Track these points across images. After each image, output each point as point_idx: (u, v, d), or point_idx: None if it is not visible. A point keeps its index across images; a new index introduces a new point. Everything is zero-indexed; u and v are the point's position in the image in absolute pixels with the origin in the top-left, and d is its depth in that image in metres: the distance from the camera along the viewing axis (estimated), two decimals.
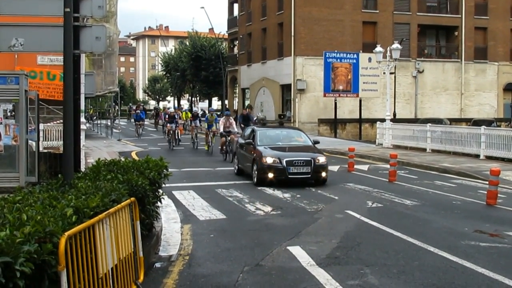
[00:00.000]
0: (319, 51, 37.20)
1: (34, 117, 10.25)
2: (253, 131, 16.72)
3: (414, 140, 25.75)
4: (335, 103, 35.67)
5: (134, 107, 54.21)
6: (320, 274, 6.71)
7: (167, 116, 29.99)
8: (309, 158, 14.51)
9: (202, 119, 30.18)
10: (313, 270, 6.89)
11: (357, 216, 10.46)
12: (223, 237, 8.91)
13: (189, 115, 34.64)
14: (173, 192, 13.18)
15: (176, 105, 66.97)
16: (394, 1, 42.26)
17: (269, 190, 13.78)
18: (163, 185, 8.46)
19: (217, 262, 7.38)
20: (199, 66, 60.02)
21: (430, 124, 26.08)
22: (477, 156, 21.42)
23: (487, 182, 12.88)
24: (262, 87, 45.35)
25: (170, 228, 9.51)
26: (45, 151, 14.31)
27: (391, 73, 29.91)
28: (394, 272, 6.83)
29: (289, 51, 40.16)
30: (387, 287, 6.29)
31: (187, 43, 66.94)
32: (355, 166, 18.50)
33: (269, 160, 14.47)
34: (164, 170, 8.31)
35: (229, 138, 21.42)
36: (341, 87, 35.30)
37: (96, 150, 25.07)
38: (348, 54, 35.70)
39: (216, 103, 72.50)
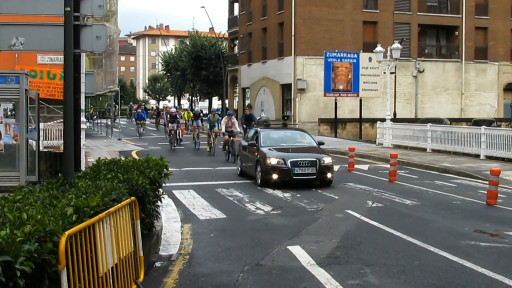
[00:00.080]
0: (320, 50, 37.20)
1: (34, 116, 10.24)
2: (256, 132, 16.54)
3: (414, 140, 25.75)
4: (336, 103, 35.68)
5: (135, 107, 54.22)
6: (320, 274, 6.71)
7: (168, 116, 29.89)
8: (314, 159, 14.26)
9: (204, 118, 30.02)
10: (313, 270, 6.89)
11: (357, 215, 10.46)
12: (223, 236, 8.91)
13: (191, 114, 34.49)
14: (173, 191, 13.18)
15: (176, 104, 67.00)
16: (394, 0, 42.28)
17: (269, 190, 13.78)
18: (164, 185, 8.47)
19: (217, 262, 7.39)
20: (200, 66, 60.03)
21: (430, 124, 26.07)
22: (477, 156, 21.41)
23: (487, 182, 12.88)
24: (263, 86, 45.36)
25: (170, 228, 9.51)
26: (46, 150, 14.33)
27: (391, 73, 29.90)
28: (394, 272, 6.83)
29: (290, 50, 40.17)
30: (387, 287, 6.29)
31: (188, 43, 66.96)
32: (355, 166, 18.50)
33: (273, 161, 14.23)
34: (164, 170, 8.32)
35: (231, 139, 21.16)
36: (341, 87, 35.30)
37: (96, 150, 25.08)
38: (349, 54, 35.69)
39: (216, 103, 72.46)
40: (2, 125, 9.11)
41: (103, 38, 7.65)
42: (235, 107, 53.47)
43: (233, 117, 22.91)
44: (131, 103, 78.40)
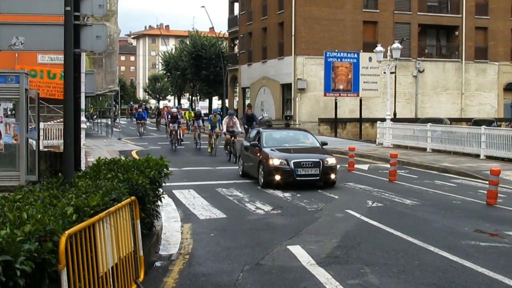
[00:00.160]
0: (320, 50, 37.20)
1: (34, 116, 10.24)
2: (258, 132, 16.32)
3: (414, 139, 25.75)
4: (336, 103, 35.67)
5: (136, 106, 54.19)
6: (320, 274, 6.71)
7: (169, 116, 29.76)
8: (318, 160, 14.06)
9: (205, 118, 29.91)
10: (313, 270, 6.89)
11: (357, 215, 10.46)
12: (223, 236, 8.91)
13: (192, 114, 34.33)
14: (173, 191, 13.18)
15: (176, 104, 66.97)
16: (394, 0, 42.26)
17: (269, 190, 13.77)
18: (164, 184, 8.47)
19: (217, 261, 7.39)
20: (200, 65, 60.01)
21: (430, 123, 26.07)
22: (477, 155, 21.41)
23: (487, 182, 12.88)
24: (263, 86, 45.36)
25: (170, 227, 9.52)
26: (46, 150, 14.33)
27: (391, 73, 29.90)
28: (394, 272, 6.83)
29: (290, 50, 40.16)
30: (387, 287, 6.29)
31: (188, 42, 66.92)
32: (355, 166, 18.50)
33: (276, 162, 14.02)
34: (165, 169, 8.32)
35: (232, 139, 20.97)
36: (341, 87, 35.30)
37: (96, 149, 25.08)
38: (349, 54, 35.69)
39: (216, 102, 72.45)
40: (2, 125, 9.12)
41: (103, 38, 7.65)
42: (235, 106, 53.47)
43: (234, 117, 22.66)
44: (131, 102, 78.35)
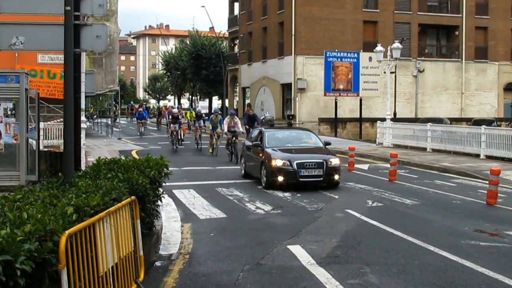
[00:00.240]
0: (320, 50, 37.20)
1: (34, 115, 10.24)
2: (260, 132, 16.03)
3: (414, 139, 25.76)
4: (336, 102, 35.68)
5: (137, 106, 54.14)
6: (320, 273, 6.71)
7: (170, 116, 29.61)
8: (321, 160, 13.82)
9: (205, 118, 29.76)
10: (313, 269, 6.89)
11: (357, 215, 10.46)
12: (224, 236, 8.91)
13: (193, 114, 34.18)
14: (173, 191, 13.19)
15: (177, 104, 66.95)
16: (394, 0, 42.26)
17: (269, 189, 13.76)
18: (164, 184, 8.47)
19: (217, 261, 7.39)
20: (200, 65, 60.00)
21: (430, 123, 26.07)
22: (477, 155, 21.42)
23: (487, 182, 12.88)
24: (263, 86, 45.36)
25: (170, 227, 9.52)
26: (46, 149, 14.32)
27: (391, 73, 29.90)
28: (394, 271, 6.83)
29: (290, 50, 40.16)
30: (387, 286, 6.29)
31: (188, 42, 66.90)
32: (356, 165, 18.51)
33: (278, 163, 13.77)
34: (165, 169, 8.32)
35: (234, 139, 20.75)
36: (341, 86, 35.31)
37: (96, 149, 25.09)
38: (349, 53, 35.70)
39: (216, 102, 72.46)
40: (2, 125, 9.11)
41: (103, 38, 7.65)
42: (235, 106, 53.46)
43: (235, 116, 22.40)
44: (131, 102, 78.30)
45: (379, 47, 29.16)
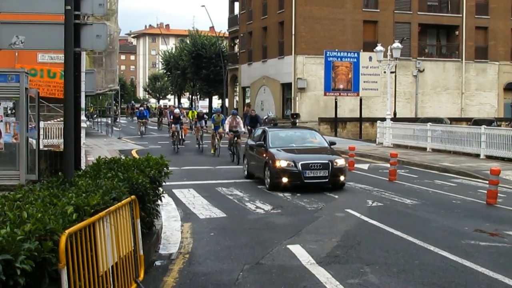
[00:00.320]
0: (320, 50, 37.20)
1: (34, 115, 10.24)
2: (264, 132, 15.65)
3: (414, 139, 25.76)
4: (336, 102, 35.67)
5: (138, 105, 54.12)
6: (320, 273, 6.71)
7: (172, 116, 29.46)
8: (326, 161, 13.43)
9: (206, 118, 29.62)
10: (313, 269, 6.89)
11: (357, 215, 10.46)
12: (223, 235, 8.91)
13: (195, 113, 34.01)
14: (173, 190, 13.19)
15: (177, 103, 66.92)
16: (395, 0, 42.25)
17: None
18: (164, 184, 8.47)
19: (217, 261, 7.39)
20: (200, 65, 59.99)
21: (430, 123, 26.07)
22: (477, 155, 21.42)
23: (487, 182, 12.88)
24: (263, 85, 45.36)
25: (170, 227, 9.52)
26: (46, 149, 14.32)
27: (391, 72, 29.90)
28: (394, 271, 6.83)
29: (290, 49, 40.16)
30: (387, 286, 6.29)
31: (188, 42, 66.90)
32: (356, 165, 18.51)
33: (283, 164, 13.39)
34: (165, 169, 8.32)
35: (235, 139, 20.50)
36: (341, 86, 35.31)
37: (96, 148, 25.09)
38: (349, 53, 35.69)
39: (216, 102, 72.45)
40: (2, 124, 9.11)
41: (104, 37, 7.64)
42: (235, 106, 53.45)
43: (237, 116, 22.08)
44: (132, 101, 78.27)
45: (379, 47, 29.16)
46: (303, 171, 13.32)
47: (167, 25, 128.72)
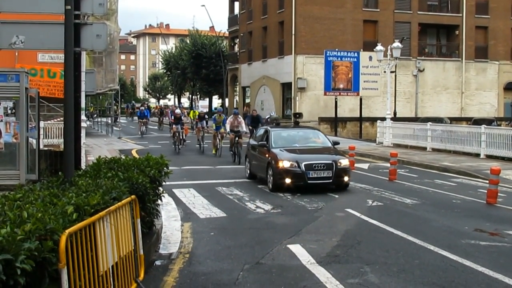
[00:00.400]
0: (320, 49, 37.19)
1: (34, 114, 10.24)
2: (266, 131, 15.41)
3: (414, 139, 25.76)
4: (336, 102, 35.67)
5: (138, 105, 54.10)
6: (320, 273, 6.71)
7: (173, 117, 29.39)
8: (330, 161, 13.21)
9: (207, 118, 29.55)
10: (313, 269, 6.89)
11: (357, 214, 10.47)
12: (224, 235, 8.92)
13: (197, 113, 33.93)
14: (174, 190, 13.19)
15: (177, 103, 66.89)
16: None
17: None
18: (164, 183, 8.47)
19: (217, 260, 7.39)
20: (200, 64, 59.96)
21: (430, 123, 26.06)
22: (477, 155, 21.42)
23: (487, 181, 12.88)
24: (263, 85, 45.35)
25: (170, 226, 9.52)
26: (46, 148, 14.31)
27: (391, 72, 29.90)
28: (394, 271, 6.83)
29: (290, 49, 40.14)
30: (387, 286, 6.29)
31: (188, 41, 66.86)
32: (356, 165, 18.49)
33: (286, 164, 13.15)
34: (165, 168, 8.32)
35: (237, 139, 20.31)
36: (341, 86, 35.31)
37: (96, 148, 25.09)
38: (349, 53, 35.69)
39: (216, 101, 72.46)
40: (3, 124, 9.11)
41: (104, 37, 7.64)
42: (235, 105, 53.44)
43: (239, 116, 21.89)
44: (132, 101, 78.24)
45: (379, 47, 29.16)
46: (307, 171, 13.10)
47: (167, 25, 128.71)
